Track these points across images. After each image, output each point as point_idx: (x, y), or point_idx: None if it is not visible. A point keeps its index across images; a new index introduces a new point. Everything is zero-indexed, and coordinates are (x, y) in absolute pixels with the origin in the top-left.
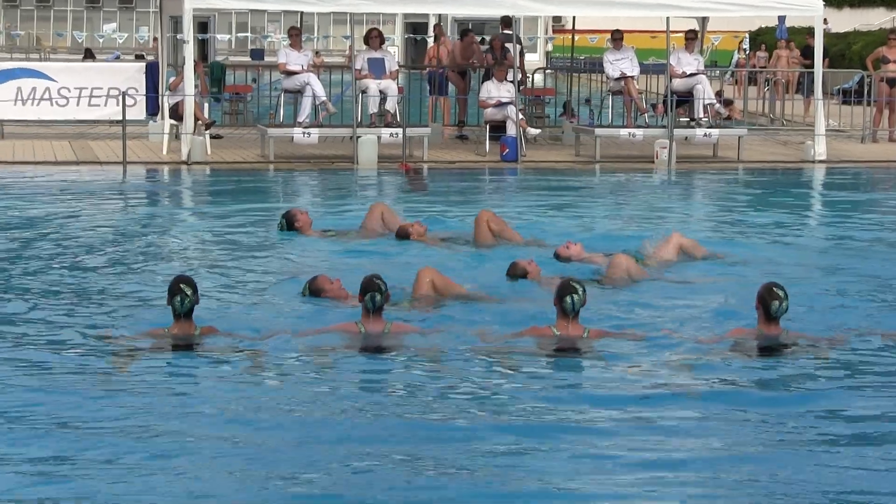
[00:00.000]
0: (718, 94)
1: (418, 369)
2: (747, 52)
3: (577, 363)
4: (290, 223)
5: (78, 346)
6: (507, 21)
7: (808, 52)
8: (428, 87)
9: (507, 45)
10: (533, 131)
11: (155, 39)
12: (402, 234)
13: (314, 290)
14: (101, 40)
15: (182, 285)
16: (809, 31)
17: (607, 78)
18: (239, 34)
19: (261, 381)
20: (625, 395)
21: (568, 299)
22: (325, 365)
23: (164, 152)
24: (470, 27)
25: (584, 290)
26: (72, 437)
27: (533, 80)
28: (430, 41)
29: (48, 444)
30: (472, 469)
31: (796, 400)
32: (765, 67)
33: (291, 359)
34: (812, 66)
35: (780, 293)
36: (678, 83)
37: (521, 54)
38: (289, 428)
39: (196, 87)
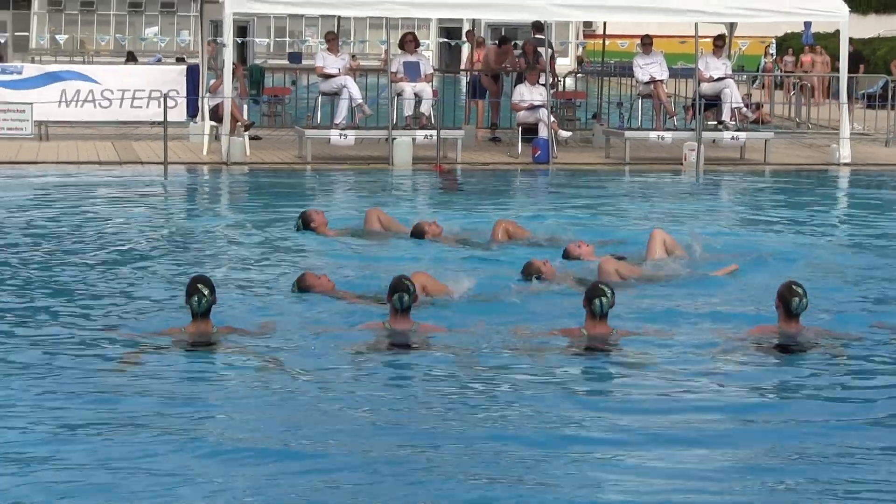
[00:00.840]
0: (747, 97)
1: (445, 368)
2: (774, 57)
3: (605, 362)
4: (306, 223)
5: (97, 343)
6: (538, 26)
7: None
8: (466, 91)
9: (538, 49)
10: (564, 134)
11: (209, 43)
12: (418, 234)
13: (303, 287)
14: (143, 43)
15: (199, 285)
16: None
17: (637, 82)
18: (277, 38)
19: (284, 380)
20: (651, 394)
21: (597, 301)
22: (351, 363)
23: (205, 153)
24: (503, 32)
25: (613, 293)
26: (85, 435)
27: (564, 83)
28: (465, 46)
29: (61, 442)
30: (503, 468)
31: (818, 396)
32: (792, 72)
33: (317, 357)
34: (856, 70)
35: (800, 290)
36: (706, 87)
37: (553, 58)
38: (312, 426)
39: (235, 89)
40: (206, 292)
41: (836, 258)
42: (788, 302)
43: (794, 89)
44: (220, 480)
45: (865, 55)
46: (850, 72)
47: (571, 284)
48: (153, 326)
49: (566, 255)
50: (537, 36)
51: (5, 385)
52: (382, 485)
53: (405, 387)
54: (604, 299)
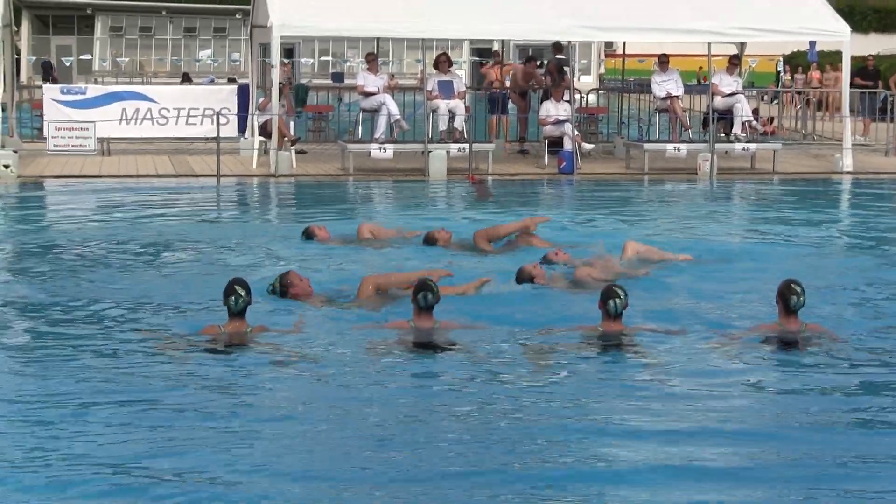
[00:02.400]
0: (755, 111)
1: (466, 364)
2: (781, 74)
3: (620, 359)
4: (308, 236)
5: (139, 341)
6: (558, 46)
7: (865, 74)
8: (488, 107)
9: (564, 68)
10: (587, 146)
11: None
12: (430, 241)
13: (284, 284)
14: (197, 65)
15: (237, 287)
16: (869, 57)
17: (654, 97)
18: (321, 58)
19: (313, 376)
20: (663, 389)
21: (611, 303)
22: (377, 359)
23: (254, 166)
24: (531, 53)
25: (626, 294)
26: (126, 430)
27: (587, 99)
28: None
29: (106, 433)
30: (524, 462)
31: (816, 390)
32: (804, 89)
33: (344, 354)
34: (871, 86)
35: (798, 288)
36: (719, 102)
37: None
38: (340, 422)
39: (282, 106)
40: (242, 293)
41: (834, 259)
42: (787, 299)
43: (800, 103)
44: (248, 477)
45: (853, 71)
46: (864, 87)
47: (563, 287)
48: (197, 325)
49: (545, 261)
50: (558, 56)
51: (52, 377)
52: (406, 482)
53: (428, 383)
54: (618, 300)
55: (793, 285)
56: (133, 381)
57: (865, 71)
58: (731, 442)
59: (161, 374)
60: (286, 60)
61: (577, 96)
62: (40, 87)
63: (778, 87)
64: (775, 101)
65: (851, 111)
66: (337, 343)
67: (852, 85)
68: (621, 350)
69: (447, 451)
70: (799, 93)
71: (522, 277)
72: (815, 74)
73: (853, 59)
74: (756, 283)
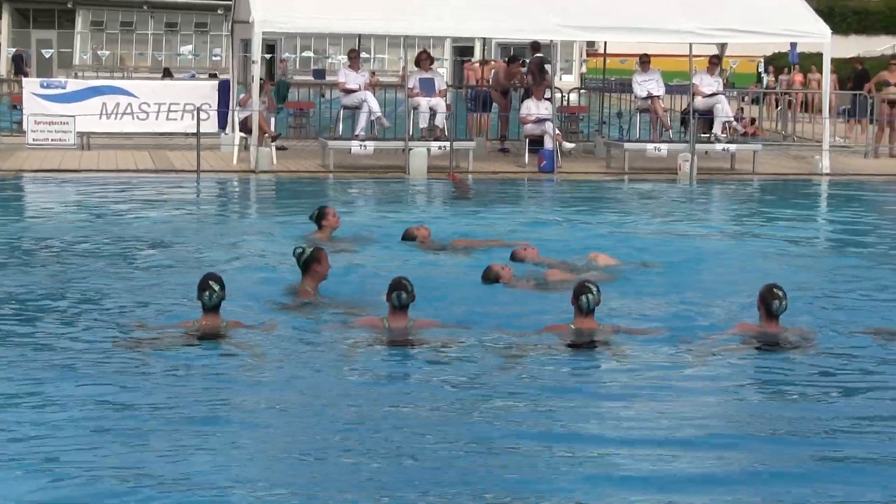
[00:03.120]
0: (739, 111)
1: (440, 363)
2: (762, 75)
3: (593, 356)
4: (408, 237)
5: (112, 336)
6: (536, 45)
7: (858, 78)
8: (470, 105)
9: (545, 66)
10: (568, 145)
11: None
12: (409, 238)
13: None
14: (178, 60)
15: (211, 282)
16: (858, 59)
17: (636, 97)
18: (303, 55)
19: (286, 374)
20: (636, 387)
21: (584, 298)
22: (350, 357)
23: (234, 162)
24: (512, 52)
25: (599, 290)
26: (95, 426)
27: (568, 99)
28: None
29: (72, 432)
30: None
31: (798, 391)
32: (787, 90)
33: (318, 351)
34: (861, 88)
35: (780, 293)
36: (700, 102)
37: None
38: (309, 417)
39: (263, 102)
40: (216, 288)
41: (810, 259)
42: (769, 303)
43: (779, 105)
44: (226, 464)
45: (846, 74)
46: (856, 89)
47: (529, 287)
48: (173, 320)
49: (513, 258)
50: (536, 55)
51: (24, 377)
52: (378, 477)
53: (402, 381)
54: (590, 296)
55: (775, 290)
56: (105, 377)
57: (856, 74)
58: (708, 445)
59: (134, 369)
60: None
61: (559, 95)
62: (20, 80)
63: (762, 87)
64: (763, 103)
65: (838, 113)
66: (311, 340)
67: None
68: (594, 349)
69: (418, 451)
70: (784, 93)
71: (489, 277)
72: (798, 77)
73: (843, 63)
74: (733, 284)
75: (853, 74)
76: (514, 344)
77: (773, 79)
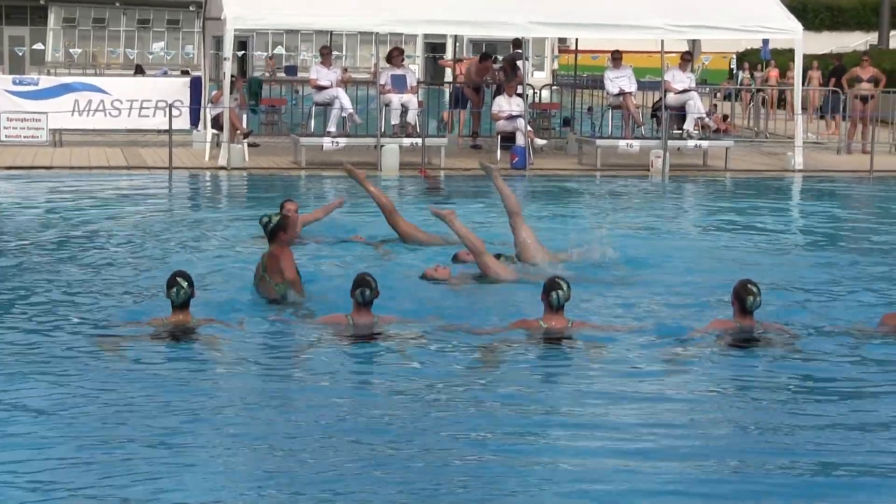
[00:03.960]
0: (713, 108)
1: (406, 358)
2: (735, 71)
3: (562, 352)
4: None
5: (82, 333)
6: (517, 42)
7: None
8: (449, 101)
9: (517, 63)
10: (540, 142)
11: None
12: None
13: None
14: (150, 57)
15: (179, 279)
16: (836, 55)
17: (608, 94)
18: (275, 52)
19: (250, 370)
20: (608, 385)
21: (554, 295)
22: (315, 353)
23: (206, 158)
24: (484, 48)
25: (569, 287)
26: (62, 423)
27: (540, 95)
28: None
29: (46, 429)
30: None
31: (769, 386)
32: (762, 87)
33: (285, 348)
34: (838, 85)
35: (755, 289)
36: (672, 99)
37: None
38: (276, 415)
39: (235, 100)
40: (184, 285)
41: (782, 256)
42: (744, 299)
43: (752, 101)
44: (190, 475)
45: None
46: (836, 85)
47: (469, 285)
48: (142, 316)
49: (455, 260)
50: (517, 51)
51: None
52: (340, 474)
53: (366, 377)
54: (560, 292)
55: (749, 285)
56: (73, 374)
57: (833, 69)
58: (682, 445)
59: (103, 367)
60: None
61: (530, 92)
62: None
63: (737, 84)
64: (737, 99)
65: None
66: (278, 337)
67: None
68: (565, 346)
69: (383, 448)
70: (759, 90)
71: (425, 277)
72: (773, 73)
73: (823, 60)
74: (706, 281)
75: (830, 70)
76: (482, 339)
77: (749, 75)
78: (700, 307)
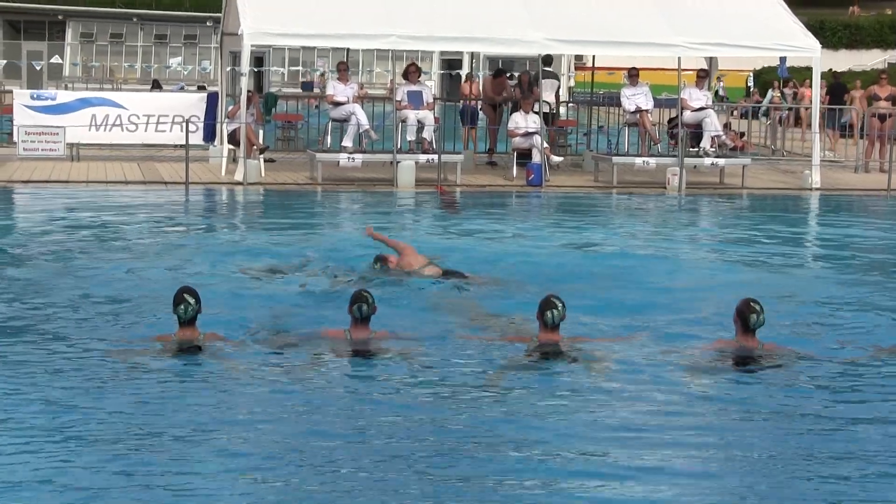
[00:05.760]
0: (727, 126)
1: (402, 373)
2: (750, 89)
3: (557, 370)
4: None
5: (90, 349)
6: (546, 60)
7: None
8: (461, 119)
9: (545, 79)
10: (556, 159)
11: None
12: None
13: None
14: (167, 72)
15: (186, 295)
16: (833, 72)
17: (624, 111)
18: (291, 67)
19: (252, 385)
20: (603, 402)
21: (549, 314)
22: (313, 368)
23: (223, 174)
24: (500, 65)
25: (564, 306)
26: (70, 442)
27: (557, 112)
28: (463, 78)
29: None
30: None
31: (772, 409)
32: (793, 105)
33: (281, 363)
34: (840, 101)
35: (757, 307)
36: (688, 116)
37: (558, 89)
38: (280, 430)
39: (252, 115)
40: (191, 302)
41: (796, 276)
42: (746, 318)
43: (768, 119)
44: (193, 477)
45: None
46: (834, 103)
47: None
48: (153, 333)
49: (380, 261)
50: (545, 69)
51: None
52: (343, 489)
53: (364, 392)
54: (555, 311)
55: (751, 304)
56: (81, 391)
57: (830, 86)
58: (682, 467)
59: (111, 384)
60: (256, 69)
61: (546, 108)
62: (10, 91)
63: (765, 102)
64: (765, 117)
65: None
66: (280, 354)
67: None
68: (560, 362)
69: (384, 462)
70: (775, 109)
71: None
72: (808, 91)
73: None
74: (713, 299)
75: (828, 87)
76: (477, 355)
77: (779, 94)
78: (705, 325)
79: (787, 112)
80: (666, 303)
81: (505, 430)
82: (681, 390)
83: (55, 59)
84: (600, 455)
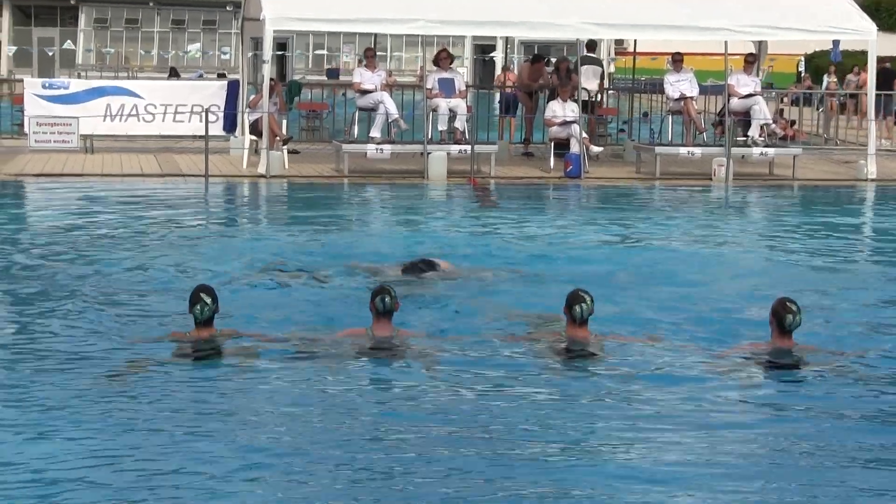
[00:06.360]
0: (780, 113)
1: (424, 372)
2: (802, 75)
3: (586, 367)
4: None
5: (105, 347)
6: (590, 45)
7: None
8: (498, 108)
9: (588, 66)
10: (596, 149)
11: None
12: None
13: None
14: (185, 59)
15: (202, 294)
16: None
17: (667, 98)
18: (315, 53)
19: (272, 383)
20: (637, 406)
21: (577, 308)
22: (334, 367)
23: (244, 166)
24: (536, 50)
25: (593, 300)
26: (85, 440)
27: (596, 99)
28: (498, 65)
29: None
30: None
31: (809, 414)
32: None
33: (302, 361)
34: (890, 87)
35: (794, 307)
36: (736, 104)
37: (602, 76)
38: (298, 430)
39: (275, 104)
40: (208, 301)
41: (851, 272)
42: (782, 318)
43: (821, 107)
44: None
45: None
46: (884, 89)
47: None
48: (162, 332)
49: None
50: (590, 55)
51: (14, 386)
52: (370, 490)
53: (387, 392)
54: (584, 306)
55: (787, 303)
56: (93, 391)
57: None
58: (717, 472)
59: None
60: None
61: (586, 96)
62: (21, 80)
63: (822, 89)
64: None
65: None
66: (301, 349)
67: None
68: (589, 360)
69: (410, 464)
70: (830, 95)
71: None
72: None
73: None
74: (755, 297)
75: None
76: (505, 352)
77: (836, 80)
78: (747, 325)
79: (842, 99)
80: (707, 301)
81: (535, 433)
82: (707, 396)
83: (68, 46)
84: (635, 459)
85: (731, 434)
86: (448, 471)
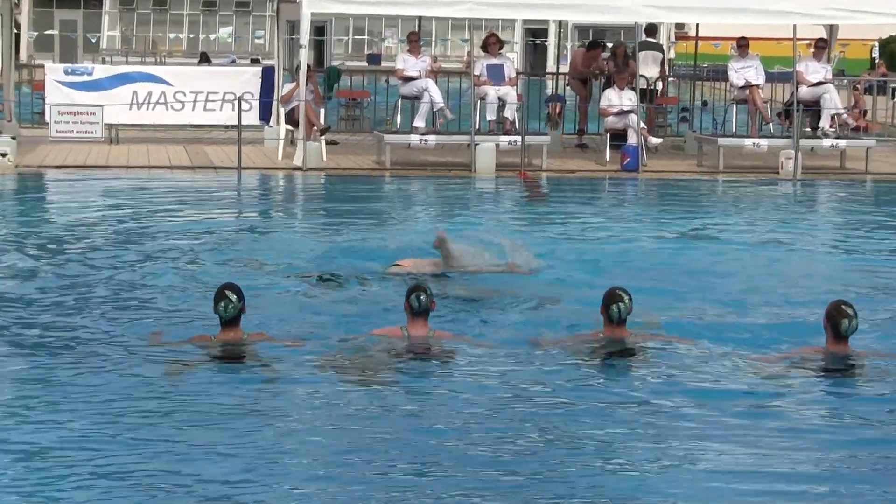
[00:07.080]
0: (854, 105)
1: (462, 374)
2: (876, 61)
3: (626, 368)
4: None
5: (133, 348)
6: (650, 29)
7: None
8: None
9: (648, 51)
10: (654, 140)
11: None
12: None
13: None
14: (216, 43)
15: (227, 292)
16: None
17: (731, 86)
18: (356, 38)
19: (305, 386)
20: (673, 404)
21: (614, 308)
22: (368, 367)
23: (279, 158)
24: (591, 35)
25: (630, 299)
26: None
27: (655, 88)
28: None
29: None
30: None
31: (864, 423)
32: None
33: (337, 362)
34: None
35: (850, 311)
36: (805, 92)
37: (663, 63)
38: (337, 438)
39: (311, 92)
40: (233, 299)
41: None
42: (837, 323)
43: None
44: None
45: None
46: None
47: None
48: (187, 333)
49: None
50: (649, 39)
51: (40, 384)
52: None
53: (426, 393)
54: (622, 305)
55: (843, 307)
56: (119, 389)
57: None
58: (766, 480)
59: (143, 384)
60: (316, 39)
61: (644, 84)
62: (42, 66)
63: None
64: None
65: None
66: (333, 351)
67: None
68: (630, 360)
69: (446, 468)
70: None
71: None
72: None
73: None
74: (815, 300)
75: None
76: (543, 354)
77: None
78: (807, 328)
79: None
80: (766, 303)
81: (574, 439)
82: (755, 402)
83: (92, 30)
84: (677, 466)
85: (782, 441)
86: (488, 475)
